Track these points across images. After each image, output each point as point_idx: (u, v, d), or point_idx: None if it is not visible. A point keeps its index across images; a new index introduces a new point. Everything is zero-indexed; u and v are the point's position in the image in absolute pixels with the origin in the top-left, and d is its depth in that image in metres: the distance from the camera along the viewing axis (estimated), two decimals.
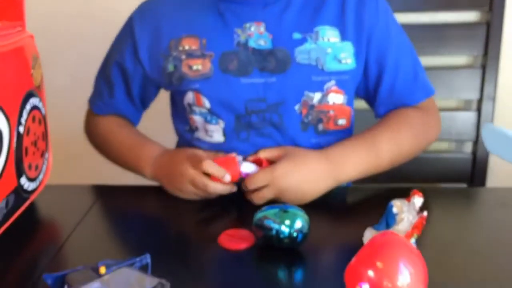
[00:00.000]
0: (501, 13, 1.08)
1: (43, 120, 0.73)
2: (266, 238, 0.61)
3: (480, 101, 1.12)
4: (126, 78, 0.85)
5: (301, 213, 0.61)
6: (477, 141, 1.14)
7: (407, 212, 0.60)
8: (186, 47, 0.78)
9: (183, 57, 0.78)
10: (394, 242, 0.47)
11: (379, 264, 0.45)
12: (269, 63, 0.76)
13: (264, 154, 0.75)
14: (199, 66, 0.77)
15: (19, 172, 0.66)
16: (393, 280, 0.44)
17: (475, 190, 1.00)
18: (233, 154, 0.74)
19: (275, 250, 0.60)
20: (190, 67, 0.77)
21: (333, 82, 0.78)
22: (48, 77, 0.76)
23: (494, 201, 0.75)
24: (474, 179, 1.15)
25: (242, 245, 0.62)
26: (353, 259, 0.47)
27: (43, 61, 0.74)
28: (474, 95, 1.12)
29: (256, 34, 0.77)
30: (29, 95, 0.69)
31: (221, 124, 0.79)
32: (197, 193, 0.73)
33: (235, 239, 0.63)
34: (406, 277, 0.44)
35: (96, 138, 0.90)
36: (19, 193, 0.67)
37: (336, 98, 0.79)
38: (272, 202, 0.68)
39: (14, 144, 0.64)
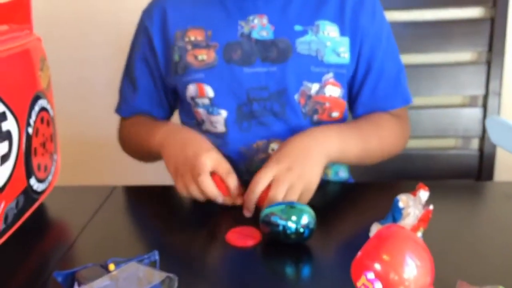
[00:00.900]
0: (505, 8, 1.08)
1: (51, 122, 0.74)
2: (273, 234, 0.61)
3: (485, 96, 1.12)
4: (151, 70, 0.87)
5: (308, 209, 0.61)
6: (483, 137, 1.14)
7: (413, 206, 0.60)
8: (192, 38, 0.81)
9: (189, 47, 0.81)
10: (400, 234, 0.47)
11: (385, 256, 0.45)
12: (271, 53, 0.79)
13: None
14: (204, 56, 0.80)
15: (29, 173, 0.67)
16: (400, 272, 0.44)
17: (481, 184, 1.00)
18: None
19: (282, 247, 0.61)
20: (195, 57, 0.80)
21: (331, 74, 0.81)
22: (55, 79, 0.77)
23: (500, 195, 0.75)
24: (481, 175, 1.14)
25: (250, 242, 0.62)
26: (359, 253, 0.47)
27: (50, 63, 0.75)
28: (479, 91, 1.12)
29: (259, 26, 0.80)
30: (37, 96, 0.70)
31: (223, 114, 0.81)
32: (193, 189, 0.70)
33: (242, 236, 0.63)
34: (413, 269, 0.45)
35: (122, 139, 0.92)
36: (29, 194, 0.68)
37: (333, 90, 0.81)
38: None
39: (23, 145, 0.65)
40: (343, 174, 0.87)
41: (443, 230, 0.64)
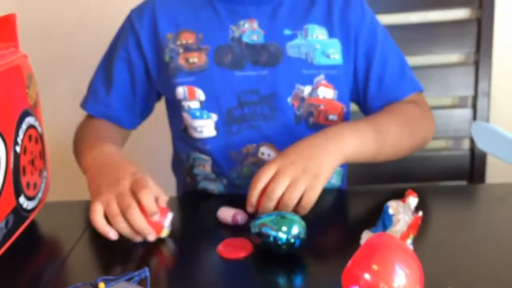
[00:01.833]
0: (491, 9, 1.09)
1: (39, 139, 0.74)
2: (264, 245, 0.61)
3: (475, 97, 1.12)
4: (132, 72, 0.86)
5: (298, 219, 0.61)
6: None
7: (403, 213, 0.60)
8: (184, 41, 0.81)
9: (181, 50, 0.81)
10: (389, 244, 0.47)
11: (374, 266, 0.45)
12: (261, 57, 0.80)
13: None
14: (195, 59, 0.80)
15: (18, 192, 0.66)
16: (389, 282, 0.45)
17: (472, 187, 1.00)
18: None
19: (274, 257, 0.61)
20: (187, 60, 0.81)
21: (322, 76, 0.81)
22: (46, 93, 0.77)
23: (492, 197, 0.76)
24: (473, 176, 1.15)
25: (241, 254, 0.62)
26: (349, 263, 0.47)
27: (44, 78, 0.75)
28: (468, 92, 1.13)
29: (250, 30, 0.81)
30: (25, 114, 0.70)
31: (214, 118, 0.81)
32: (114, 209, 0.63)
33: (233, 248, 0.63)
34: (402, 278, 0.45)
35: (76, 137, 0.86)
36: (19, 213, 0.67)
37: (326, 92, 0.82)
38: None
39: (11, 164, 0.64)
40: (334, 181, 0.87)
41: (435, 234, 0.64)
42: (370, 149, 0.73)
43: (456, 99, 1.18)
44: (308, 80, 0.81)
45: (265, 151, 0.82)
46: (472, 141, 1.16)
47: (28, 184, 0.69)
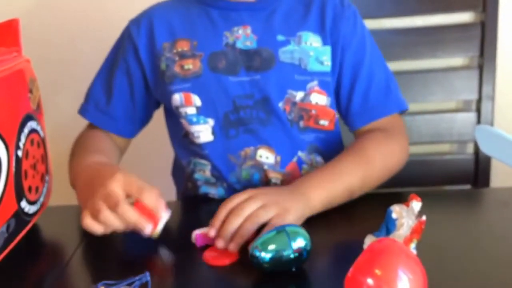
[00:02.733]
0: (495, 12, 1.08)
1: (41, 143, 0.74)
2: (274, 265, 0.58)
3: (479, 101, 1.12)
4: (131, 81, 0.86)
5: (301, 231, 0.59)
6: None
7: (406, 217, 0.60)
8: (179, 49, 0.82)
9: (176, 58, 0.82)
10: (392, 248, 0.47)
11: (377, 271, 0.45)
12: (254, 62, 0.81)
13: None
14: (190, 65, 0.81)
15: (19, 196, 0.66)
16: (392, 287, 0.44)
17: (477, 191, 1.00)
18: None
19: None
20: (182, 67, 0.81)
21: (315, 82, 0.82)
22: (49, 98, 0.77)
23: (496, 202, 0.75)
24: (477, 180, 1.14)
25: (227, 261, 0.62)
26: (352, 268, 0.47)
27: (47, 83, 0.74)
28: (473, 96, 1.12)
29: (243, 36, 0.81)
30: (27, 118, 0.70)
31: (211, 122, 0.82)
32: (98, 205, 0.62)
33: (219, 255, 0.62)
34: (405, 283, 0.44)
35: (75, 146, 0.86)
36: (20, 217, 0.67)
37: (319, 98, 0.82)
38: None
39: (13, 169, 0.64)
40: None
41: (439, 239, 0.64)
42: (338, 199, 0.73)
43: (460, 103, 1.17)
44: (301, 86, 0.81)
45: (263, 154, 0.82)
46: (476, 145, 1.15)
47: (30, 188, 0.69)
